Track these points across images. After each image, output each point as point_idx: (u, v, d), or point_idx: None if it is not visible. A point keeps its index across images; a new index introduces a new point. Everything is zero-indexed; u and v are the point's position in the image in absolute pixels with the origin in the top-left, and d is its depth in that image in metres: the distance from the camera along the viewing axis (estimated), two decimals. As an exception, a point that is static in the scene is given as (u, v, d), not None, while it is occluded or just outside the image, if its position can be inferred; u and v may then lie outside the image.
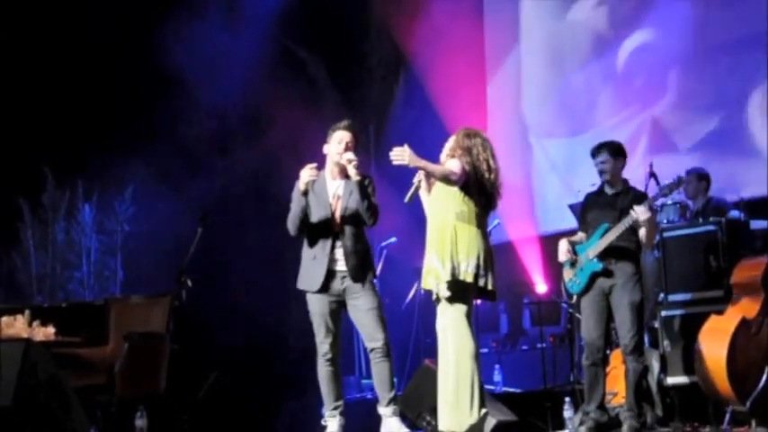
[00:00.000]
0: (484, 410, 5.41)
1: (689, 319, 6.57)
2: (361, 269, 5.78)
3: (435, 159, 5.64)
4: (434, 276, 5.45)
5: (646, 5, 9.55)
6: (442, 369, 5.48)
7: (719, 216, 6.85)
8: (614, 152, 6.18)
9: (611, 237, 6.01)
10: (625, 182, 6.23)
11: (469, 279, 5.39)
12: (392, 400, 5.77)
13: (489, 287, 5.48)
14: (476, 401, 5.34)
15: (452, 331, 5.42)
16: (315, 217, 5.81)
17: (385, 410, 5.77)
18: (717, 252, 6.57)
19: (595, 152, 6.22)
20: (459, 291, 5.42)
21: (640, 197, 6.08)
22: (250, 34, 10.16)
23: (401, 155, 5.38)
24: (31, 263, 9.42)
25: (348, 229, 5.79)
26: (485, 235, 5.55)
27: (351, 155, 5.74)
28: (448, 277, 5.38)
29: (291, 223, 5.83)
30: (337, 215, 5.80)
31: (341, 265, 5.78)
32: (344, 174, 5.84)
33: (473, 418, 5.34)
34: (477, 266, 5.40)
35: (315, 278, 5.77)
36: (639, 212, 5.87)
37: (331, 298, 5.79)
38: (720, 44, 8.87)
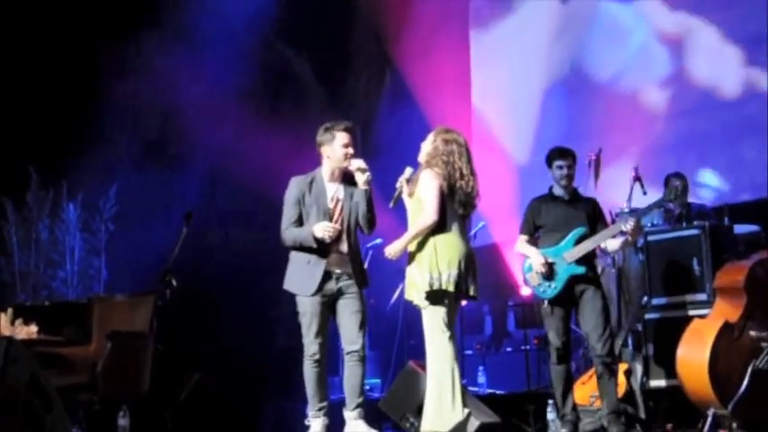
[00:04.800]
0: (467, 411, 5.43)
1: (672, 322, 6.58)
2: (364, 275, 5.85)
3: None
4: (415, 288, 5.48)
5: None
6: (428, 371, 5.51)
7: (703, 221, 6.87)
8: (575, 159, 6.21)
9: (597, 242, 6.03)
10: (575, 188, 6.26)
11: (451, 288, 5.41)
12: (359, 405, 5.77)
13: (471, 293, 5.51)
14: (457, 401, 5.37)
15: (431, 335, 5.46)
16: (313, 221, 5.75)
17: (351, 414, 5.78)
18: (700, 256, 6.60)
19: (561, 155, 6.17)
20: (437, 298, 5.44)
21: (594, 203, 6.18)
22: (236, 33, 10.14)
23: (390, 253, 5.51)
24: (15, 261, 9.36)
25: (349, 235, 5.79)
26: (465, 239, 5.56)
27: (362, 163, 5.71)
28: (426, 288, 5.40)
29: (292, 244, 5.78)
30: (337, 217, 5.77)
31: (337, 268, 5.76)
32: (344, 177, 5.81)
33: (456, 417, 5.36)
34: (459, 275, 5.41)
35: (310, 282, 5.72)
36: (629, 227, 5.91)
37: (323, 299, 5.76)
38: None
